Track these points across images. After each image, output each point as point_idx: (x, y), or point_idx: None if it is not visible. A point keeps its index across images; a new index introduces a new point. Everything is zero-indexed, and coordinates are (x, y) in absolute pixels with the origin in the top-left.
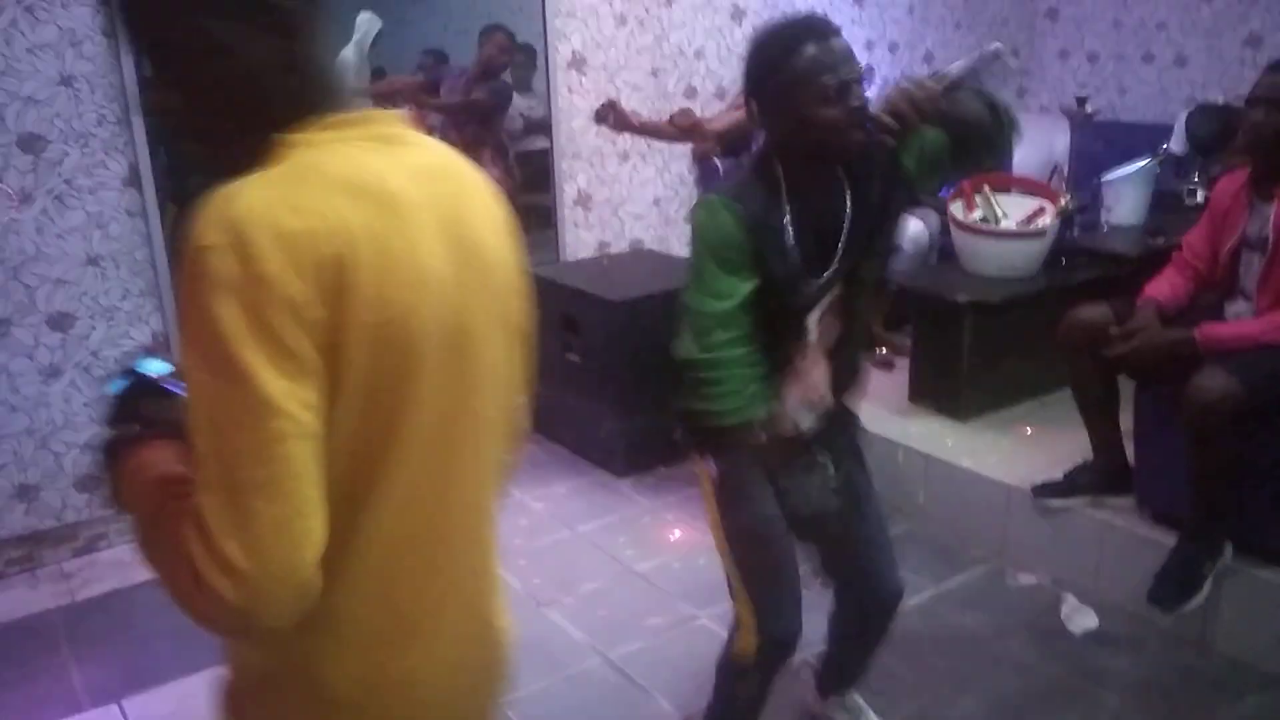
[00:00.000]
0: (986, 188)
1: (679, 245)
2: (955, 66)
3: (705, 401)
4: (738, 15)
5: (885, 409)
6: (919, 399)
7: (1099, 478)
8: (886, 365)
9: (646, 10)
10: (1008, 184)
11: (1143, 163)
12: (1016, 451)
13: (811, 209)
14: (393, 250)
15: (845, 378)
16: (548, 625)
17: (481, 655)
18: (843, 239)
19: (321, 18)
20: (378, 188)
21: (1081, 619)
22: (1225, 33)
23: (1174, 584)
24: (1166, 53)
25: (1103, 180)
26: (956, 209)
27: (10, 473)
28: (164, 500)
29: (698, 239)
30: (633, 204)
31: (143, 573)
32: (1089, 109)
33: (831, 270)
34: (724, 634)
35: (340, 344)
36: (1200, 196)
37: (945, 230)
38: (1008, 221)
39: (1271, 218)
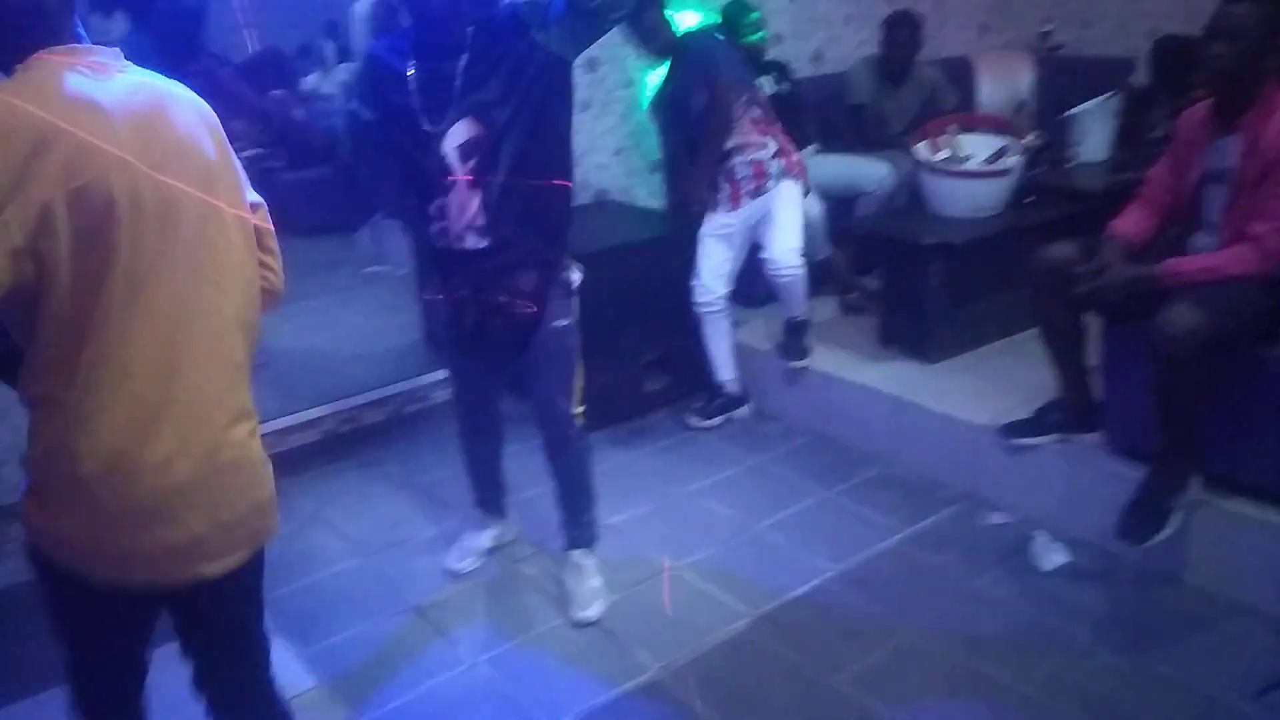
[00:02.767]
0: (952, 127)
1: (644, 196)
2: None
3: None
4: None
5: (856, 354)
6: (889, 343)
7: (1067, 415)
8: (857, 310)
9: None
10: (973, 123)
11: (1106, 96)
12: (986, 392)
13: (430, 67)
14: (83, 137)
15: (503, 210)
16: (522, 578)
17: (214, 470)
18: (458, 91)
19: None
20: (76, 94)
21: (1052, 555)
22: None
23: (1141, 517)
24: None
25: (1067, 115)
26: (922, 150)
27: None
28: None
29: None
30: (596, 154)
31: None
32: (1052, 44)
33: (449, 116)
34: (699, 583)
35: (36, 200)
36: (1165, 130)
37: (912, 172)
38: (973, 161)
39: (1234, 150)
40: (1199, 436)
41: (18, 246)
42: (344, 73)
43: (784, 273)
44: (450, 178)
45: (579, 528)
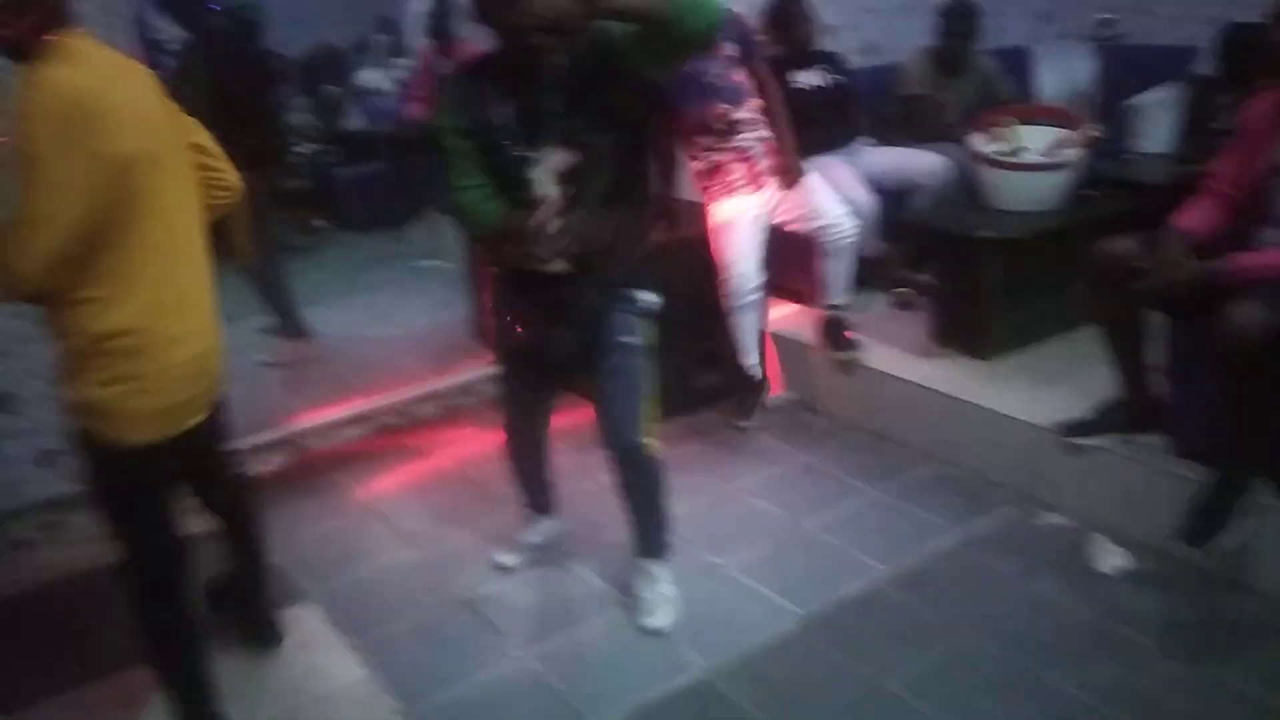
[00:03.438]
0: (1009, 118)
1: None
2: None
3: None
4: None
5: (908, 350)
6: (943, 339)
7: (1128, 415)
8: (909, 305)
9: None
10: (1030, 114)
11: (1170, 87)
12: (1043, 390)
13: (514, 91)
14: (126, 106)
15: (587, 236)
16: (572, 575)
17: (211, 342)
18: (548, 117)
19: None
20: (109, 71)
21: (1111, 558)
22: None
23: (1204, 519)
24: None
25: (1129, 106)
26: (978, 141)
27: (31, 438)
28: None
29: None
30: None
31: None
32: (1114, 32)
33: (542, 142)
34: (748, 582)
35: (102, 156)
36: (1231, 120)
37: (967, 166)
38: (1031, 153)
39: None
40: (1263, 438)
41: (87, 197)
42: (399, 68)
43: (844, 234)
44: (545, 205)
45: (650, 541)
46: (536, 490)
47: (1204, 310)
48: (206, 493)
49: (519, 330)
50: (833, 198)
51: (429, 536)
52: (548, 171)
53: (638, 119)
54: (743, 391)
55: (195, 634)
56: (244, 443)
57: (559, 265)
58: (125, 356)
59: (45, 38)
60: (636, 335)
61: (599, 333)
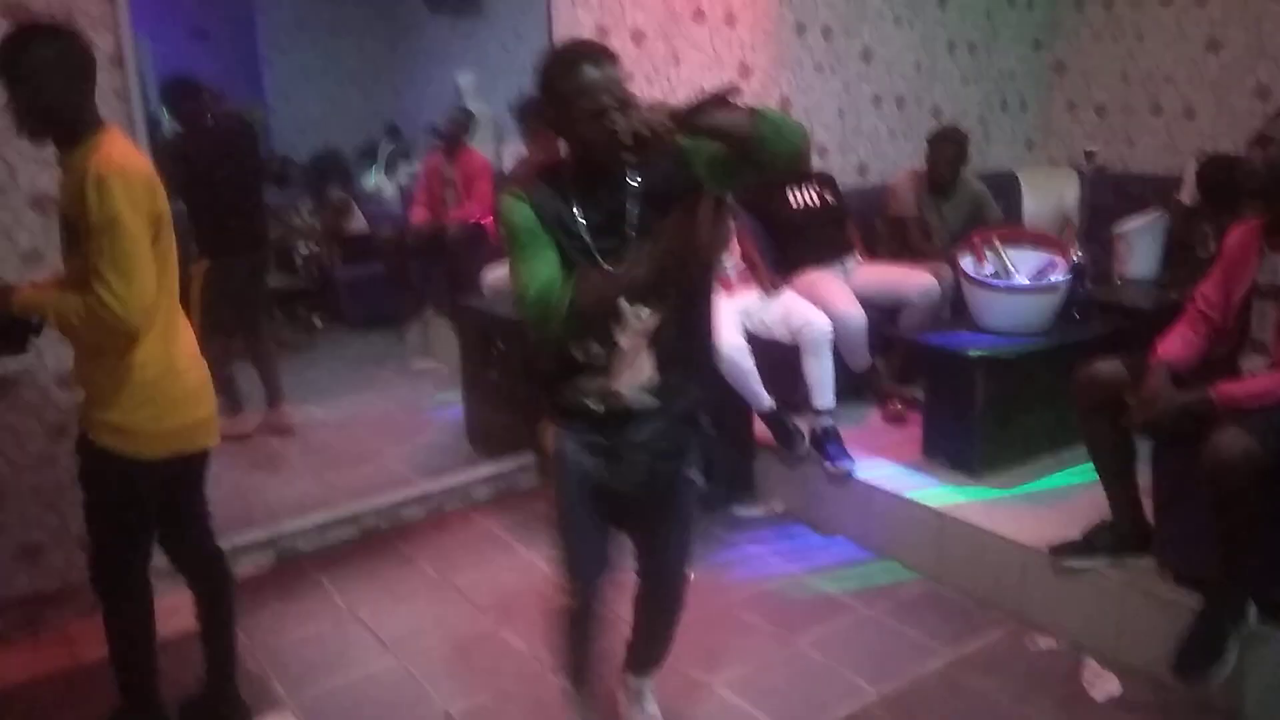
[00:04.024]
0: (997, 241)
1: None
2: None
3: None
4: (745, 72)
5: (898, 464)
6: (932, 454)
7: (1118, 538)
8: (898, 419)
9: (655, 69)
10: (1018, 237)
11: (1154, 214)
12: (1033, 509)
13: (598, 204)
14: (154, 174)
15: (673, 363)
16: (554, 689)
17: (205, 373)
18: (632, 231)
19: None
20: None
21: (1104, 685)
22: (1233, 85)
23: (1198, 651)
24: (1174, 104)
25: (1114, 232)
26: (967, 263)
27: (14, 532)
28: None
29: (504, 226)
30: None
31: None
32: (1098, 162)
33: (626, 256)
34: (736, 701)
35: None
36: (1212, 247)
37: (956, 284)
38: (1019, 276)
39: None
40: (1254, 565)
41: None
42: (404, 174)
43: (820, 330)
44: (623, 330)
45: (655, 658)
46: (587, 664)
47: (1192, 438)
48: (178, 546)
49: (599, 473)
50: (806, 303)
51: (412, 646)
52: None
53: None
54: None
55: (149, 626)
56: (228, 542)
57: (647, 402)
58: (153, 384)
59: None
60: (697, 469)
61: (674, 470)
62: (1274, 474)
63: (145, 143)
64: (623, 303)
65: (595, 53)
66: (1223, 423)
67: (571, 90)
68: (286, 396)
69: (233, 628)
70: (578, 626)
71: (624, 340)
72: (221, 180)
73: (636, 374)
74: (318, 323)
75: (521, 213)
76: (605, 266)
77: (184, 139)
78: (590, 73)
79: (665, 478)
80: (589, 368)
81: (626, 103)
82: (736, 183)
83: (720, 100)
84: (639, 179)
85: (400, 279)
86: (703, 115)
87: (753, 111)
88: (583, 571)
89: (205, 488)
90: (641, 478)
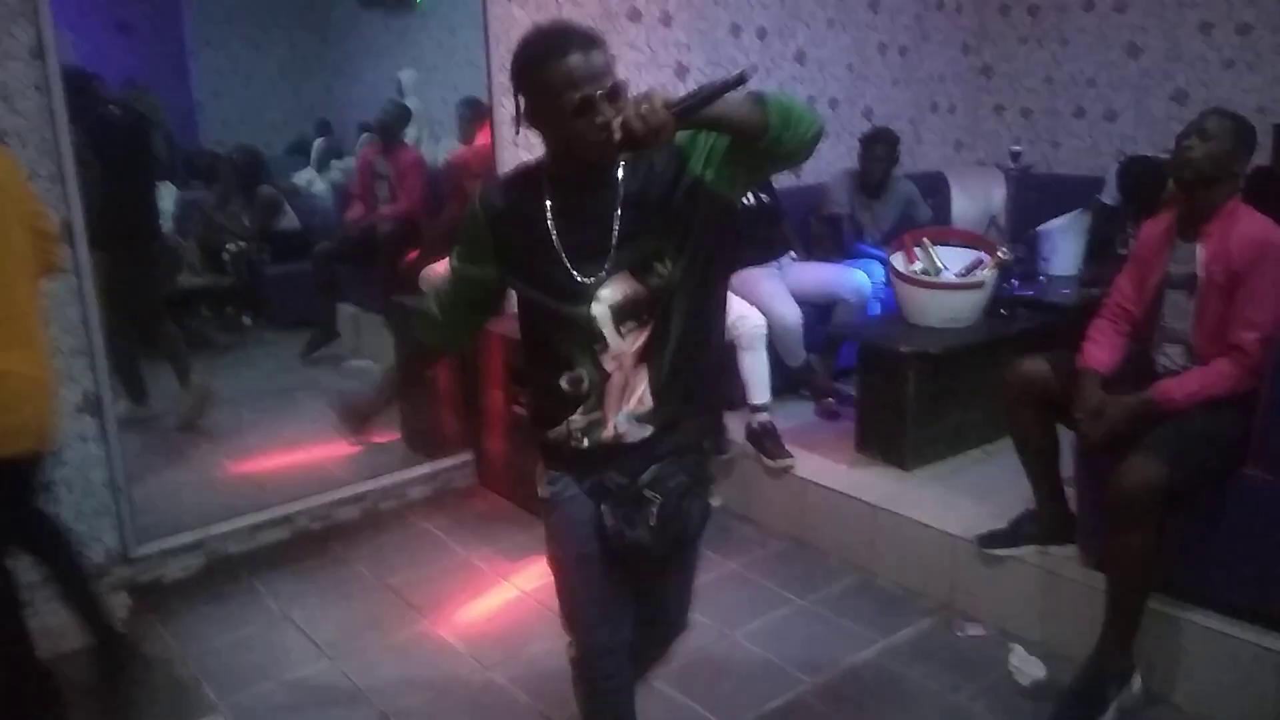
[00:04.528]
0: (926, 240)
1: None
2: (701, 88)
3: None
4: (681, 72)
5: (832, 459)
6: (865, 449)
7: (1043, 527)
8: (832, 415)
9: None
10: (947, 236)
11: (1076, 213)
12: (962, 500)
13: (578, 209)
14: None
15: (671, 387)
16: (492, 689)
17: (42, 376)
18: (614, 238)
19: None
20: None
21: (1030, 670)
22: (1153, 89)
23: (1077, 708)
24: (1096, 107)
25: (1038, 231)
26: (897, 261)
27: None
28: None
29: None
30: None
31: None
32: (1023, 162)
33: (605, 268)
34: (674, 694)
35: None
36: (1131, 245)
37: (888, 281)
38: (947, 273)
39: (1199, 257)
40: (1140, 617)
41: None
42: (337, 171)
43: (754, 325)
44: (607, 353)
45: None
46: None
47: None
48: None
49: (598, 518)
50: (741, 301)
51: (346, 646)
52: (606, 306)
53: (711, 244)
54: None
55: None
56: (156, 545)
57: (638, 432)
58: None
59: None
60: (713, 496)
61: (684, 510)
62: (1181, 492)
63: (66, 136)
64: (601, 322)
65: (579, 36)
66: (1135, 449)
67: (553, 79)
68: (216, 396)
69: (83, 571)
70: (595, 701)
71: (609, 364)
72: (110, 173)
73: (628, 400)
74: (247, 321)
75: (469, 219)
76: (579, 278)
77: (73, 132)
78: (574, 59)
79: (674, 520)
80: (575, 399)
81: (617, 93)
82: (741, 180)
83: (723, 90)
84: (625, 180)
85: (330, 277)
86: (704, 105)
87: (759, 98)
88: (594, 635)
89: (34, 494)
90: (646, 522)
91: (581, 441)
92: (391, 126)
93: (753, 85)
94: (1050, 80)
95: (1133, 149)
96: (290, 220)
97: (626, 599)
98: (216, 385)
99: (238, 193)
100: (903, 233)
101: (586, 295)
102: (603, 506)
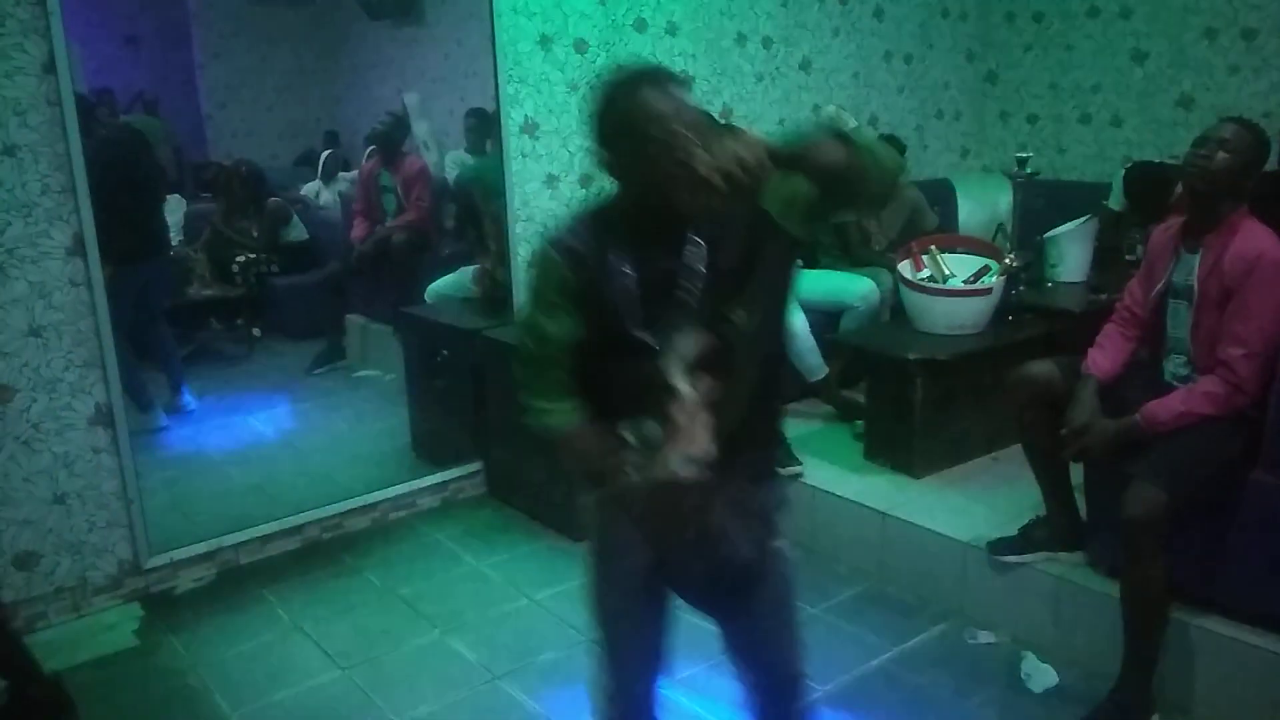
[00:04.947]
0: (933, 247)
1: None
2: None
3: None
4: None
5: (842, 466)
6: (874, 456)
7: (1053, 533)
8: (842, 422)
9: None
10: (954, 243)
11: (1083, 220)
12: (972, 507)
13: (653, 262)
14: None
15: (739, 437)
16: (503, 698)
17: None
18: (692, 290)
19: None
20: None
21: (1042, 677)
22: (1158, 94)
23: None
24: (1102, 114)
25: (1045, 237)
26: (905, 268)
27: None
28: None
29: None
30: None
31: (84, 653)
32: (1030, 169)
33: (682, 320)
34: (688, 703)
35: None
36: (1139, 251)
37: (896, 289)
38: (955, 280)
39: (1196, 268)
40: (1159, 651)
41: None
42: (343, 182)
43: None
44: (676, 403)
45: None
46: None
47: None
48: None
49: (651, 558)
50: None
51: (357, 656)
52: (679, 361)
53: (785, 291)
54: None
55: None
56: (167, 556)
57: (697, 472)
58: None
59: None
60: (782, 535)
61: (750, 548)
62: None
63: (78, 150)
64: (673, 374)
65: (664, 77)
66: (1131, 475)
67: (640, 119)
68: (223, 406)
69: (7, 627)
70: None
71: (678, 413)
72: (114, 191)
73: (688, 444)
74: (256, 333)
75: (543, 266)
76: (647, 340)
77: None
78: (662, 99)
79: (738, 560)
80: (638, 446)
81: (708, 135)
82: (824, 223)
83: (828, 136)
84: (702, 227)
85: (339, 288)
86: (808, 152)
87: (845, 138)
88: (622, 673)
89: None
90: (704, 563)
91: (639, 483)
92: (390, 138)
93: (759, 94)
94: (1055, 86)
95: (1139, 155)
96: (299, 232)
97: (664, 641)
98: (229, 396)
99: (246, 205)
100: (909, 240)
101: (661, 348)
102: (646, 539)
